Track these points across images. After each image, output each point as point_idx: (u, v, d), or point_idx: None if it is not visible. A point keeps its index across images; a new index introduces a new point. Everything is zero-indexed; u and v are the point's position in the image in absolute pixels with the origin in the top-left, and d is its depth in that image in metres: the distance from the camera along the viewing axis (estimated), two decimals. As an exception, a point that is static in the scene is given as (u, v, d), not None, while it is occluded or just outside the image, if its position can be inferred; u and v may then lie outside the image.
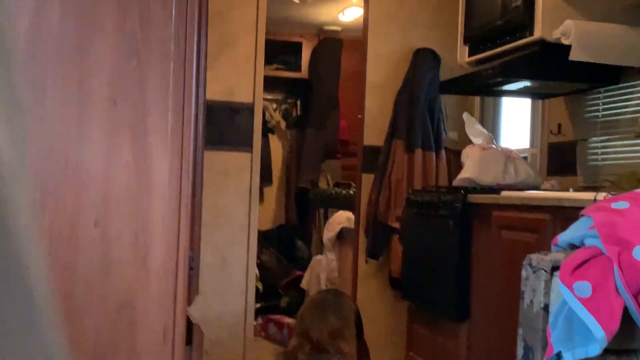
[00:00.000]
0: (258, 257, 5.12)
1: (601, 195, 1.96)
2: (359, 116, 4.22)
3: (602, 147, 3.13)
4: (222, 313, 3.95)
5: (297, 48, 6.22)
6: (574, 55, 2.69)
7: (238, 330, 3.99)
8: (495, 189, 3.06)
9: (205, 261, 3.78)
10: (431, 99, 3.98)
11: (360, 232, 4.12)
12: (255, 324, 4.39)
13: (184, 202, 1.43)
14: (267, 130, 6.01)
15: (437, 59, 4.04)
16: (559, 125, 3.41)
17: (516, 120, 4.07)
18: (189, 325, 1.50)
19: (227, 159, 3.98)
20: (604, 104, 3.12)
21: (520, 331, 1.79)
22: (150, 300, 1.40)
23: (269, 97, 6.02)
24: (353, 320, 3.11)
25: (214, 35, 3.83)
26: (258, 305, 4.73)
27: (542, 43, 2.89)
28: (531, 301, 1.72)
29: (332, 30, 6.06)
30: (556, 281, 1.64)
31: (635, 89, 2.92)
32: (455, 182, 3.45)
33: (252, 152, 4.03)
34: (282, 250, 5.82)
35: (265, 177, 5.88)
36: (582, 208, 1.81)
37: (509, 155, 3.35)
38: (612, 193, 1.93)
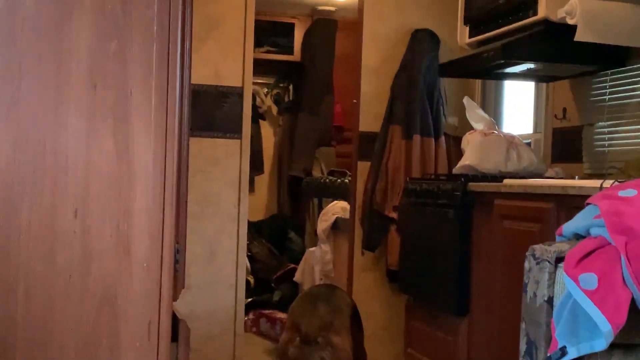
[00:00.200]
0: (249, 249, 5.12)
1: (608, 183, 1.96)
2: (354, 101, 4.21)
3: (609, 133, 3.13)
4: (211, 308, 3.95)
5: (289, 29, 6.19)
6: (580, 36, 2.69)
7: (228, 326, 3.99)
8: (497, 177, 3.06)
9: (192, 253, 3.77)
10: (430, 83, 3.97)
11: (356, 222, 4.12)
12: (246, 319, 4.40)
13: (169, 191, 1.42)
14: (257, 116, 6.00)
15: (436, 41, 4.03)
16: (564, 110, 3.41)
17: (519, 105, 4.07)
18: (175, 321, 1.49)
19: (215, 146, 3.97)
20: (611, 87, 3.11)
21: (523, 325, 1.79)
22: (134, 295, 1.40)
23: (259, 81, 6.00)
24: (348, 315, 3.11)
25: (200, 15, 3.81)
26: (249, 300, 4.73)
27: (546, 23, 2.88)
28: (534, 294, 1.73)
29: (326, 11, 6.03)
30: (560, 273, 1.64)
31: (643, 71, 2.92)
32: (455, 170, 3.45)
33: (241, 139, 4.02)
34: (274, 242, 5.82)
35: (256, 165, 5.87)
36: (587, 196, 1.81)
37: (511, 142, 3.34)
38: (619, 180, 1.93)
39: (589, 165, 3.22)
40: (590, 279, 1.54)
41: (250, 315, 4.81)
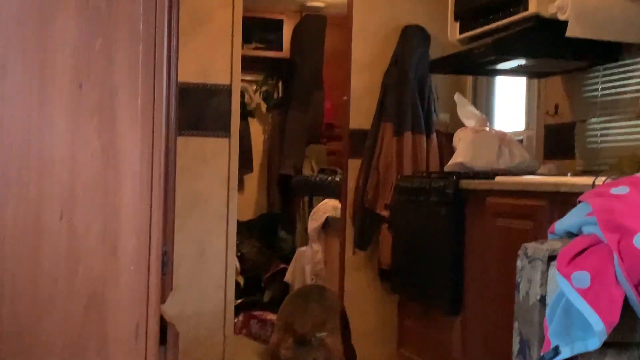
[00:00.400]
0: (238, 249, 5.10)
1: (600, 180, 1.97)
2: (345, 98, 4.21)
3: (602, 129, 3.14)
4: (200, 310, 3.94)
5: (277, 25, 6.18)
6: (571, 32, 2.70)
7: (217, 327, 3.98)
8: (489, 174, 3.07)
9: (180, 254, 3.76)
10: (421, 79, 3.98)
11: (347, 221, 4.12)
12: (235, 320, 4.39)
13: (156, 191, 1.42)
14: (246, 113, 5.99)
15: (427, 36, 4.03)
16: (556, 106, 3.42)
17: (511, 101, 4.08)
18: (163, 323, 1.49)
19: (203, 145, 3.97)
20: (603, 82, 3.13)
21: (515, 324, 1.80)
22: (121, 297, 1.40)
23: (247, 78, 5.99)
24: (338, 314, 3.12)
25: (186, 11, 3.80)
26: (239, 300, 4.73)
27: (537, 18, 2.89)
28: (527, 293, 1.73)
29: (315, 7, 6.03)
30: (553, 271, 1.64)
31: (635, 66, 2.93)
32: (446, 167, 3.46)
33: (229, 137, 4.02)
34: (264, 242, 5.82)
35: (245, 163, 5.86)
36: (580, 193, 1.82)
37: (503, 138, 3.36)
38: (611, 177, 1.94)
39: (582, 162, 3.23)
40: (583, 277, 1.55)
41: (240, 317, 4.81)
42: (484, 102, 4.19)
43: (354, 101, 4.12)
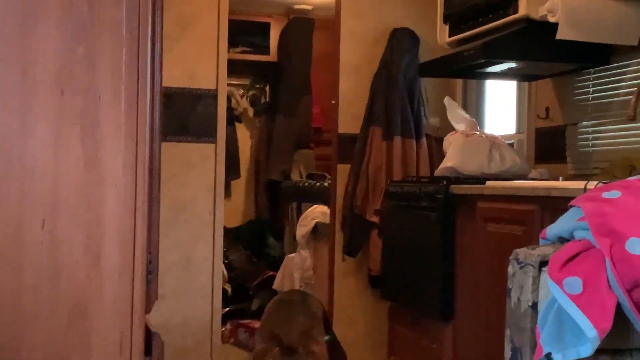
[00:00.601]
0: (225, 257, 5.10)
1: (592, 184, 1.98)
2: (333, 102, 4.21)
3: (593, 132, 3.16)
4: (186, 319, 3.93)
5: (264, 28, 6.19)
6: (562, 34, 2.71)
7: (204, 337, 3.97)
8: (479, 179, 3.07)
9: (166, 262, 3.75)
10: (410, 83, 3.98)
11: (336, 227, 4.12)
12: (223, 329, 4.38)
13: (140, 199, 1.41)
14: (233, 118, 5.98)
15: (416, 39, 4.05)
16: (547, 109, 3.44)
17: (501, 105, 4.09)
18: (148, 333, 1.49)
19: (188, 151, 3.96)
20: (594, 85, 3.14)
21: (507, 331, 1.80)
22: (105, 307, 1.39)
23: (234, 82, 5.98)
24: (321, 320, 3.13)
25: (171, 14, 3.79)
26: (226, 309, 4.72)
27: (527, 21, 2.91)
28: (518, 299, 1.74)
29: (303, 9, 6.04)
30: (545, 277, 1.65)
31: (627, 69, 2.95)
32: (437, 172, 3.46)
33: (216, 143, 4.01)
34: (252, 249, 5.81)
35: (232, 169, 5.85)
36: (571, 198, 1.82)
37: (494, 142, 3.37)
38: (603, 181, 1.94)
39: (573, 166, 3.25)
40: (575, 283, 1.55)
41: (228, 326, 4.79)
42: (474, 106, 4.20)
43: (343, 105, 4.13)
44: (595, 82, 3.14)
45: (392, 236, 3.53)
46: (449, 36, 3.48)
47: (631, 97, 2.65)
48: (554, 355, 1.54)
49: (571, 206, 1.79)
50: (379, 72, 4.04)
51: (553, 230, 1.81)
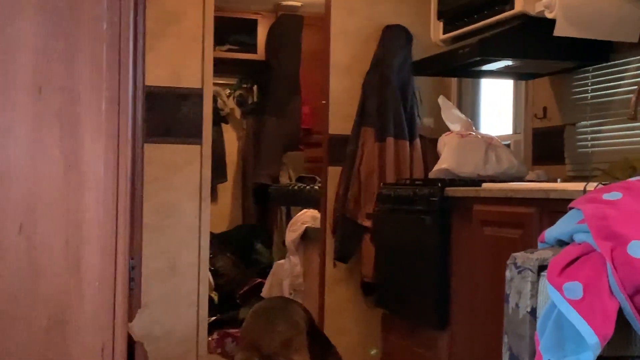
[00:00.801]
0: (212, 263, 5.08)
1: (592, 186, 1.98)
2: (323, 102, 4.21)
3: (592, 132, 3.17)
4: (171, 328, 3.92)
5: (251, 26, 6.18)
6: (559, 31, 2.72)
7: (190, 347, 3.96)
8: (475, 181, 3.07)
9: (149, 269, 3.73)
10: (403, 82, 3.99)
11: (327, 232, 4.12)
12: (209, 339, 4.37)
13: (122, 202, 1.41)
14: (219, 119, 5.97)
15: (409, 37, 4.05)
16: (545, 109, 3.44)
17: (497, 104, 4.10)
18: (131, 343, 1.48)
19: (173, 152, 3.95)
20: (593, 84, 3.15)
21: (505, 339, 1.80)
22: (85, 316, 1.38)
23: (220, 81, 5.97)
24: (305, 330, 3.12)
25: (154, 10, 3.78)
26: (213, 318, 4.70)
27: (524, 17, 2.91)
28: (517, 305, 1.73)
29: (291, 6, 6.04)
30: (544, 282, 1.65)
31: (627, 66, 2.96)
32: (431, 174, 3.46)
33: (202, 144, 4.00)
34: (240, 255, 5.79)
35: (219, 172, 5.85)
36: (570, 200, 1.82)
37: (490, 143, 3.37)
38: (603, 183, 1.95)
39: (572, 167, 3.26)
40: (575, 288, 1.55)
41: (215, 335, 4.78)
42: (469, 105, 4.21)
43: (333, 105, 4.12)
44: (594, 80, 3.15)
45: (386, 241, 3.52)
46: (443, 33, 3.48)
47: (631, 96, 2.66)
48: (553, 363, 1.54)
49: (570, 208, 1.78)
50: (371, 71, 4.04)
51: (552, 233, 1.80)
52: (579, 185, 2.11)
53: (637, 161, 2.63)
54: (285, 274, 4.85)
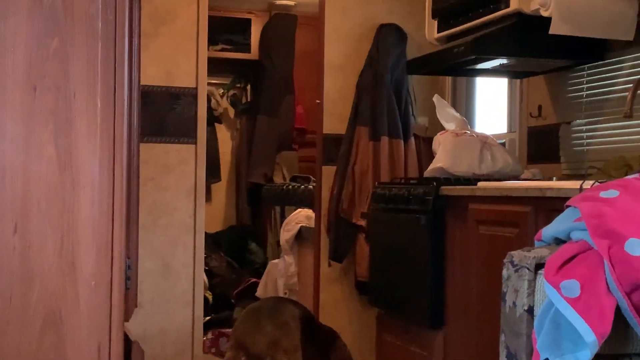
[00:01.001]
0: (206, 263, 5.07)
1: (588, 184, 1.98)
2: (317, 101, 4.21)
3: (588, 131, 3.17)
4: (166, 328, 3.91)
5: (245, 25, 6.17)
6: (555, 29, 2.72)
7: (185, 347, 3.95)
8: (470, 180, 3.07)
9: (144, 268, 3.73)
10: (397, 81, 3.99)
11: (321, 231, 4.11)
12: (204, 339, 4.36)
13: (118, 202, 1.40)
14: (213, 118, 5.96)
15: (403, 36, 4.05)
16: (540, 107, 3.45)
17: (492, 103, 4.10)
18: (127, 342, 1.47)
19: (167, 152, 3.94)
20: (588, 82, 3.16)
21: (502, 337, 1.80)
22: (81, 315, 1.37)
23: (214, 81, 5.96)
24: (297, 330, 3.11)
25: (148, 9, 3.78)
26: (207, 318, 4.69)
27: (519, 15, 2.91)
28: (514, 303, 1.73)
29: (285, 5, 6.03)
30: (541, 280, 1.65)
31: (622, 64, 2.96)
32: (426, 173, 3.46)
33: (196, 144, 4.00)
34: (234, 255, 5.79)
35: (213, 172, 5.84)
36: (567, 198, 1.82)
37: (485, 142, 3.37)
38: (599, 181, 1.95)
39: (567, 166, 3.26)
40: (572, 286, 1.55)
41: (209, 335, 4.77)
42: (464, 104, 4.21)
43: (327, 105, 4.12)
44: (589, 78, 3.15)
45: (380, 240, 3.52)
46: (438, 32, 3.48)
47: (627, 94, 2.66)
48: (551, 362, 1.54)
49: (567, 206, 1.79)
50: (365, 70, 4.04)
51: (549, 231, 1.81)
52: (575, 184, 2.11)
53: (633, 159, 2.63)
54: (280, 274, 4.84)
